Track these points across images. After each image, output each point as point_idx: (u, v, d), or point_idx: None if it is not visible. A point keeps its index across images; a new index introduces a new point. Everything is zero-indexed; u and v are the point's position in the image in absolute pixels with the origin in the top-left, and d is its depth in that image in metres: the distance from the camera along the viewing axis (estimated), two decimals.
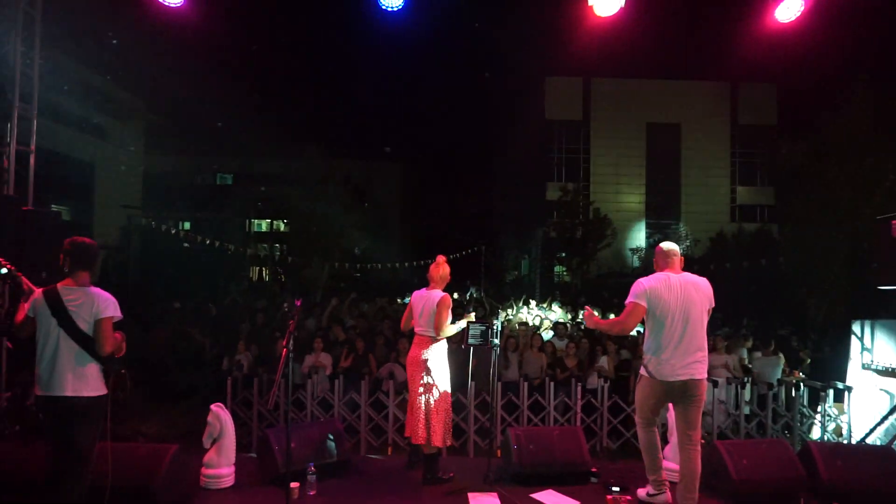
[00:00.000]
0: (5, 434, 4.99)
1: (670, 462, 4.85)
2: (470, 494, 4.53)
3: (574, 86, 37.77)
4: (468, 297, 15.62)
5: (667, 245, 4.59)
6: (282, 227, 37.31)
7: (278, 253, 27.41)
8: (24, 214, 4.71)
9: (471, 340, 4.74)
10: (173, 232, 18.01)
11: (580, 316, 11.17)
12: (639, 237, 37.26)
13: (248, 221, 43.09)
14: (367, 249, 30.63)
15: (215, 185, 45.54)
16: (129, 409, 6.83)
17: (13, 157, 5.24)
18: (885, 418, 6.30)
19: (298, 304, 3.45)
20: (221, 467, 4.63)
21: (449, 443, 5.07)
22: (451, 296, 5.25)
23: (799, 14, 6.47)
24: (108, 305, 3.62)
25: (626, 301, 4.38)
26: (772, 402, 7.45)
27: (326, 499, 4.50)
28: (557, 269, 35.03)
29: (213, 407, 4.73)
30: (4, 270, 3.57)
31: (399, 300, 18.23)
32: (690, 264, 28.72)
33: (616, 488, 4.53)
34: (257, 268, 38.63)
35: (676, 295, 4.25)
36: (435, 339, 5.02)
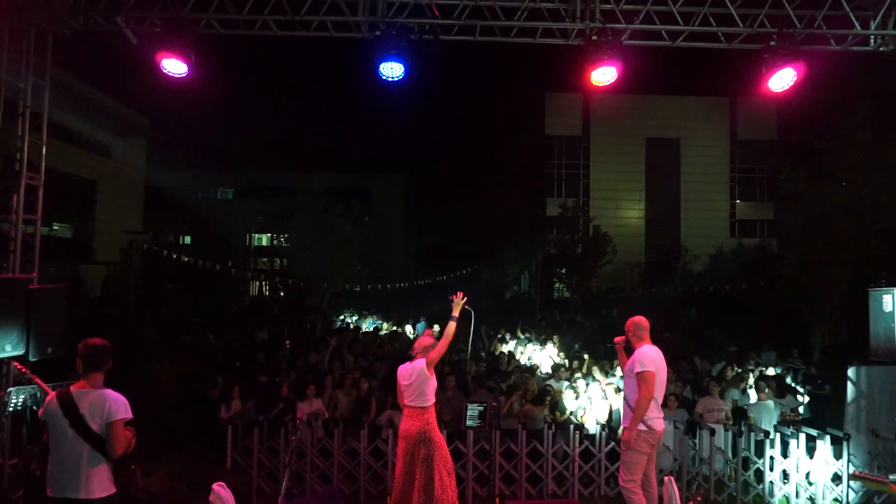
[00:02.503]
0: (11, 500, 5.05)
1: None
2: None
3: (574, 101, 37.95)
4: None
5: (643, 320, 5.32)
6: (283, 242, 37.43)
7: (278, 268, 27.28)
8: (31, 293, 4.80)
9: (469, 422, 4.84)
10: (174, 257, 18.28)
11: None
12: (638, 253, 37.28)
13: (249, 236, 43.17)
14: (369, 266, 30.64)
15: (216, 200, 45.69)
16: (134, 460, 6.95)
17: (20, 234, 5.29)
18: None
19: (299, 418, 3.54)
20: None
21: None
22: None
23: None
24: (118, 408, 3.70)
25: (645, 371, 5.00)
26: (769, 448, 7.49)
27: None
28: (557, 285, 35.05)
29: (214, 486, 4.80)
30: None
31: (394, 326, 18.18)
32: (690, 282, 28.68)
33: None
34: (258, 283, 38.73)
35: (660, 361, 5.13)
36: (425, 410, 5.15)
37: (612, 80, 6.32)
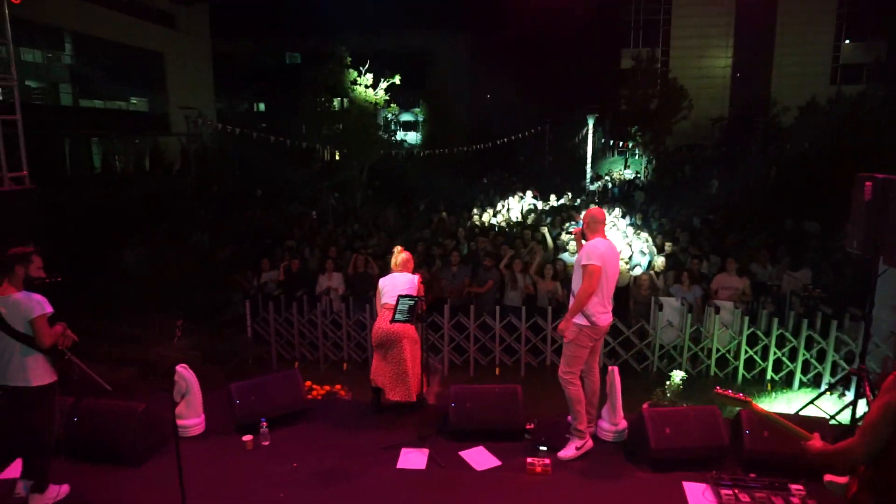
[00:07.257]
0: None
1: (605, 422, 5.08)
2: (403, 449, 4.92)
3: None
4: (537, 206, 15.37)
5: (599, 213, 5.04)
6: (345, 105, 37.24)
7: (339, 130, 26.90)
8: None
9: (398, 316, 4.91)
10: (237, 132, 19.07)
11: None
12: (722, 107, 34.44)
13: (319, 100, 43.15)
14: (429, 130, 30.14)
15: (285, 65, 45.41)
16: (158, 333, 7.70)
17: None
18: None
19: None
20: (190, 418, 5.24)
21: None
22: None
23: None
24: (34, 306, 3.98)
25: (590, 264, 4.76)
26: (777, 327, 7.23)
27: (276, 448, 4.99)
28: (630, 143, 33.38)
29: (178, 368, 5.25)
30: None
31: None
32: (778, 138, 26.05)
33: (543, 448, 4.78)
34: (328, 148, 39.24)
35: (610, 256, 4.87)
36: None
37: None
